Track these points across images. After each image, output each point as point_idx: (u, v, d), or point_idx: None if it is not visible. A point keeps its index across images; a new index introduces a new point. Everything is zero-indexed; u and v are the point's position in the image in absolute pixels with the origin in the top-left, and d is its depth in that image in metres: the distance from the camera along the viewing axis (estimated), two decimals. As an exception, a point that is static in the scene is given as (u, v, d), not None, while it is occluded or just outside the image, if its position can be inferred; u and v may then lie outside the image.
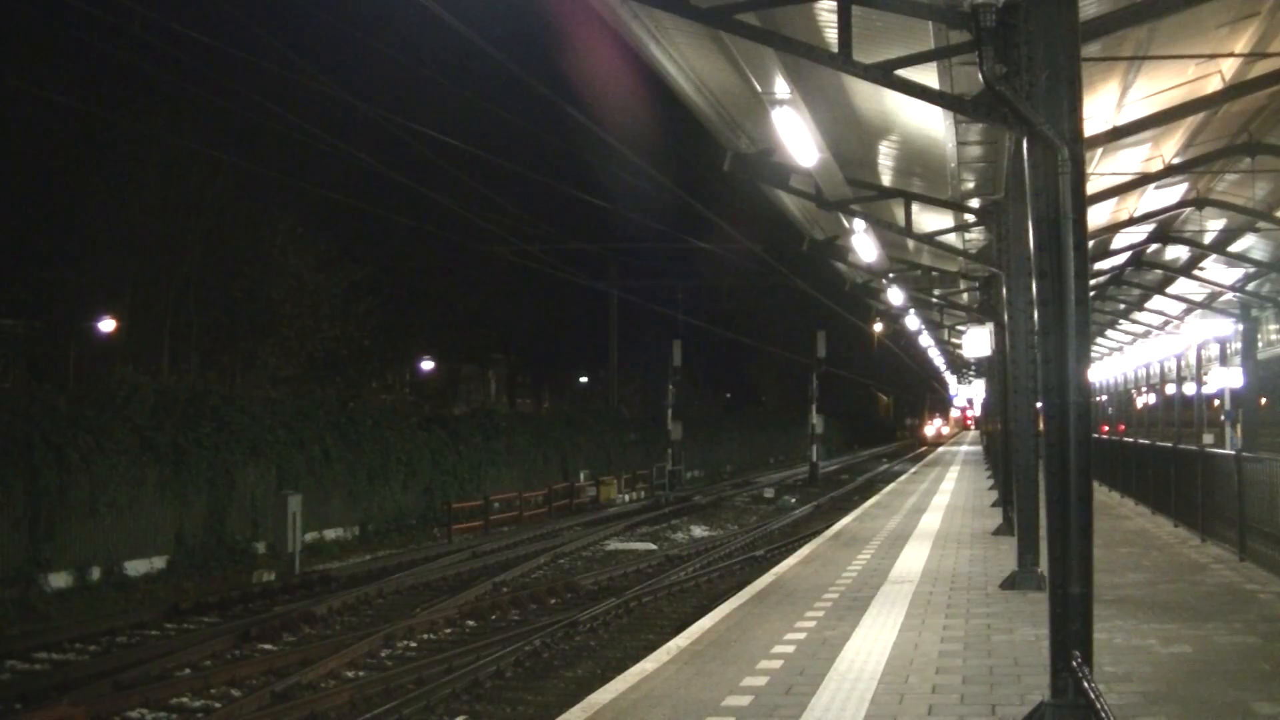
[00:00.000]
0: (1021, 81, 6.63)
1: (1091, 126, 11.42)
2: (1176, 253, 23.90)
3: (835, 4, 8.28)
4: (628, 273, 48.23)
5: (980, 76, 6.76)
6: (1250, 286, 27.35)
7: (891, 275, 25.09)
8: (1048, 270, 6.62)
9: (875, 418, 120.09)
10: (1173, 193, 17.83)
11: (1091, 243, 15.52)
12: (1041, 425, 7.21)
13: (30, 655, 13.69)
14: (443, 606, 16.17)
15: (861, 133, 14.23)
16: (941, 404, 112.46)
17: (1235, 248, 22.51)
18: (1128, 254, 22.72)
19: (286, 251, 34.18)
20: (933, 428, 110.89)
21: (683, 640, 9.85)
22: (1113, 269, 24.25)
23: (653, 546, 25.06)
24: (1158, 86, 12.25)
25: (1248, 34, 10.90)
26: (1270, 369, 33.85)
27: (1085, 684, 6.20)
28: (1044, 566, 8.08)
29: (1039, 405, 8.87)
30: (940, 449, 70.13)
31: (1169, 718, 7.05)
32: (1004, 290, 15.25)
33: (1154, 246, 22.12)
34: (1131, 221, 19.10)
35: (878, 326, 47.33)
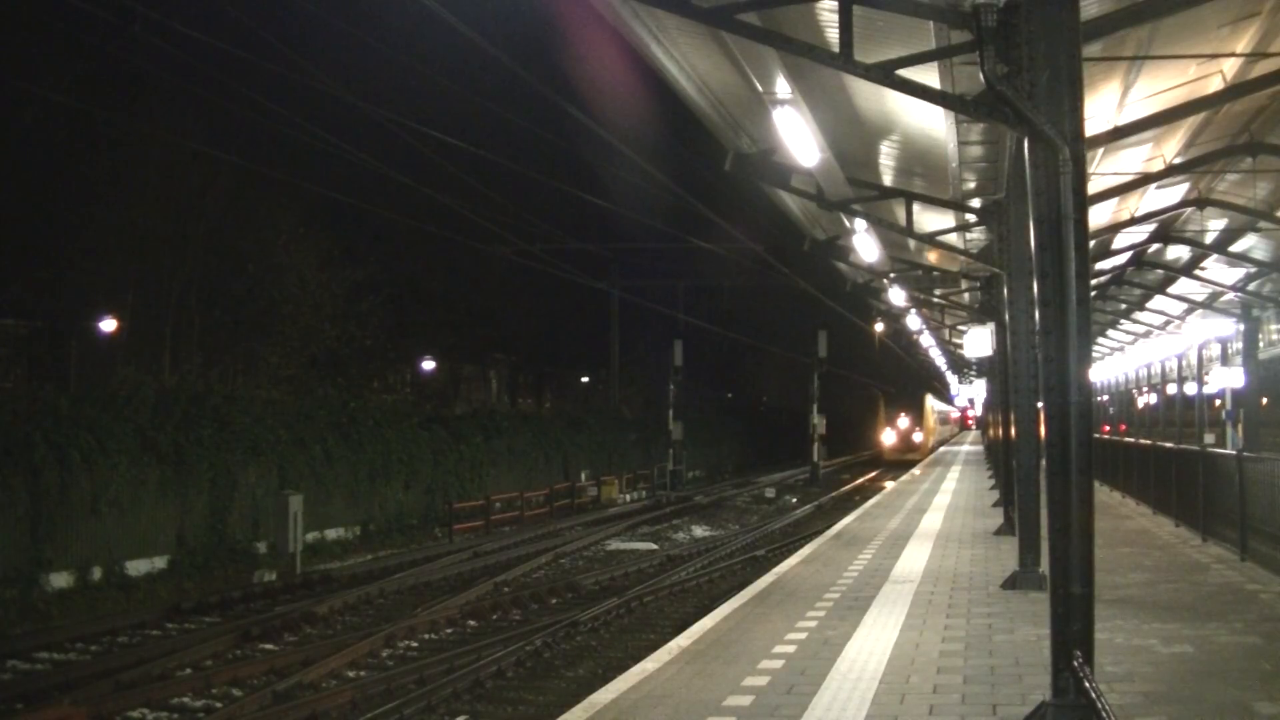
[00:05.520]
0: (1022, 81, 6.63)
1: (1093, 126, 11.42)
2: (1178, 253, 23.90)
3: (836, 4, 8.27)
4: (629, 273, 48.21)
5: (981, 76, 6.76)
6: (1251, 286, 27.34)
7: (893, 275, 25.08)
8: (1049, 270, 6.62)
9: (876, 418, 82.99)
10: (1174, 193, 17.82)
11: (1092, 243, 15.54)
12: (1043, 425, 7.22)
13: (31, 655, 13.70)
14: (444, 606, 16.18)
15: (863, 133, 14.23)
16: (915, 397, 64.64)
17: (1236, 248, 22.51)
18: (1129, 254, 22.72)
19: (288, 251, 34.18)
20: (893, 434, 62.75)
21: (684, 640, 9.85)
22: (1114, 269, 24.25)
23: (654, 546, 25.06)
24: (1159, 86, 12.25)
25: (1249, 34, 10.89)
26: (1271, 369, 33.86)
27: (1086, 684, 6.21)
28: (1045, 566, 8.08)
29: (1040, 405, 8.87)
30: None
31: (1170, 718, 7.05)
32: (1005, 290, 15.25)
33: (1155, 246, 22.12)
34: (1132, 221, 19.09)
35: (879, 326, 47.25)
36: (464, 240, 31.23)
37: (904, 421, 62.62)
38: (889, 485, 33.91)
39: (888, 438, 62.97)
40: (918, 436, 62.35)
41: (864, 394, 69.34)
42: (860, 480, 46.54)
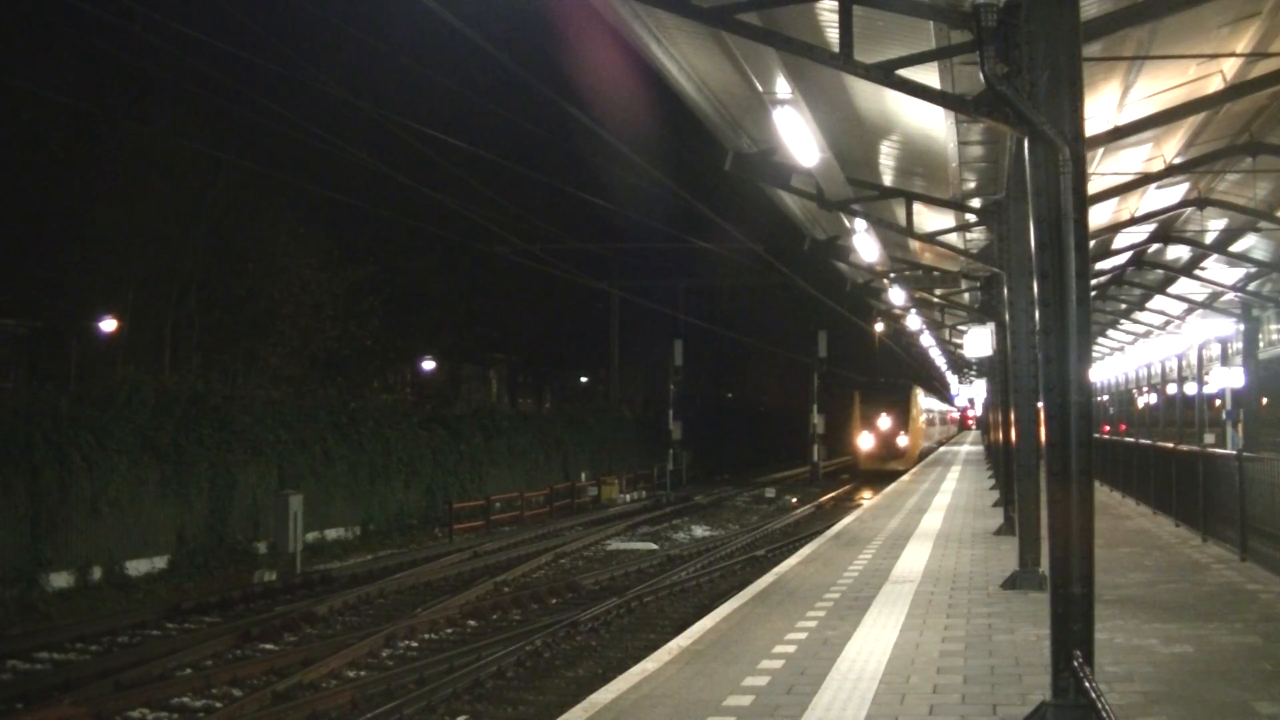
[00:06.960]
0: (1023, 81, 6.63)
1: (1093, 126, 11.40)
2: (1178, 252, 23.90)
3: (836, 4, 8.27)
4: (629, 272, 48.19)
5: (981, 76, 6.75)
6: (1251, 286, 27.35)
7: (893, 275, 25.08)
8: (1049, 270, 6.62)
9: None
10: (1174, 193, 17.82)
11: (1092, 242, 15.51)
12: (1043, 425, 7.22)
13: (31, 655, 13.71)
14: (444, 606, 16.19)
15: (863, 132, 14.22)
16: (899, 391, 53.11)
17: (1236, 248, 22.51)
18: (1129, 254, 22.71)
19: (289, 251, 34.19)
20: (871, 438, 50.75)
21: (684, 640, 9.85)
22: (1114, 269, 24.24)
23: (654, 546, 25.06)
24: (1159, 86, 12.24)
25: (1249, 34, 10.89)
26: (1271, 369, 33.83)
27: (1086, 684, 6.21)
28: (1045, 566, 8.08)
29: (1040, 405, 8.87)
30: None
31: (1170, 718, 7.05)
32: (1005, 290, 15.24)
33: (1155, 246, 22.11)
34: (1133, 221, 19.08)
35: (879, 326, 47.13)
36: (464, 240, 31.24)
37: (885, 422, 50.62)
38: (892, 486, 33.80)
39: (864, 442, 50.92)
40: (903, 440, 50.62)
41: (840, 389, 55.32)
42: (859, 480, 45.48)
